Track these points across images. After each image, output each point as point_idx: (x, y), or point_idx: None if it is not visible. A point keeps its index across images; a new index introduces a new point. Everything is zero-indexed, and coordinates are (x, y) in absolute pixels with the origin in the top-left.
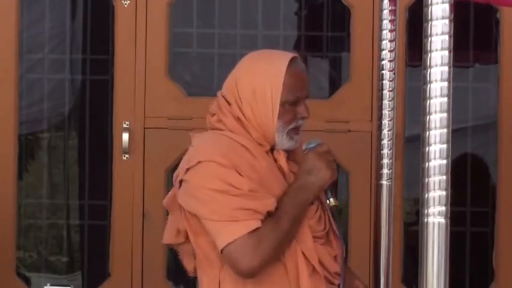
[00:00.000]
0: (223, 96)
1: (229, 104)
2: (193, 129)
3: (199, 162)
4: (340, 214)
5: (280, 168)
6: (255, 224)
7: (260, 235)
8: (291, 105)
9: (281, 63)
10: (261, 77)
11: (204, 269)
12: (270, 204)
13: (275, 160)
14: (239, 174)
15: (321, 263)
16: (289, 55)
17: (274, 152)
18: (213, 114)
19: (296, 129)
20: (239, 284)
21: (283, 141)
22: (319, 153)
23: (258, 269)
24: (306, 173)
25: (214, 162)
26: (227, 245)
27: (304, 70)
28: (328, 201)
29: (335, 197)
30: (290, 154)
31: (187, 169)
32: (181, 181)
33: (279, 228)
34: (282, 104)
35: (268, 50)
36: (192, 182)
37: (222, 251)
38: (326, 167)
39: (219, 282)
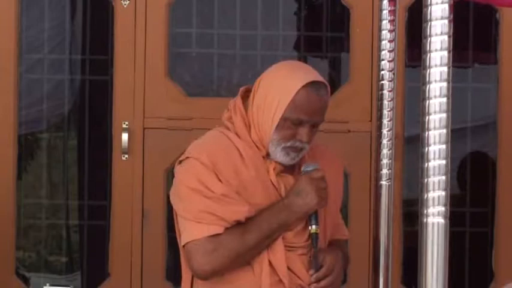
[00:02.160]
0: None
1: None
2: (192, 130)
3: (187, 157)
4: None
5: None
6: (217, 229)
7: (219, 242)
8: (293, 124)
9: (299, 81)
10: (277, 85)
11: (184, 264)
12: (240, 212)
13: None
14: (217, 177)
15: (294, 272)
16: (313, 77)
17: (267, 160)
18: (228, 110)
19: (294, 148)
20: (207, 282)
21: (276, 153)
22: (312, 178)
23: (211, 273)
24: (294, 194)
25: (198, 160)
26: (187, 243)
27: (321, 98)
28: (310, 228)
29: (317, 224)
30: (288, 167)
31: (180, 161)
32: None
33: (243, 241)
34: (284, 119)
35: (304, 64)
36: (177, 176)
37: (183, 247)
38: (315, 192)
39: (192, 278)
